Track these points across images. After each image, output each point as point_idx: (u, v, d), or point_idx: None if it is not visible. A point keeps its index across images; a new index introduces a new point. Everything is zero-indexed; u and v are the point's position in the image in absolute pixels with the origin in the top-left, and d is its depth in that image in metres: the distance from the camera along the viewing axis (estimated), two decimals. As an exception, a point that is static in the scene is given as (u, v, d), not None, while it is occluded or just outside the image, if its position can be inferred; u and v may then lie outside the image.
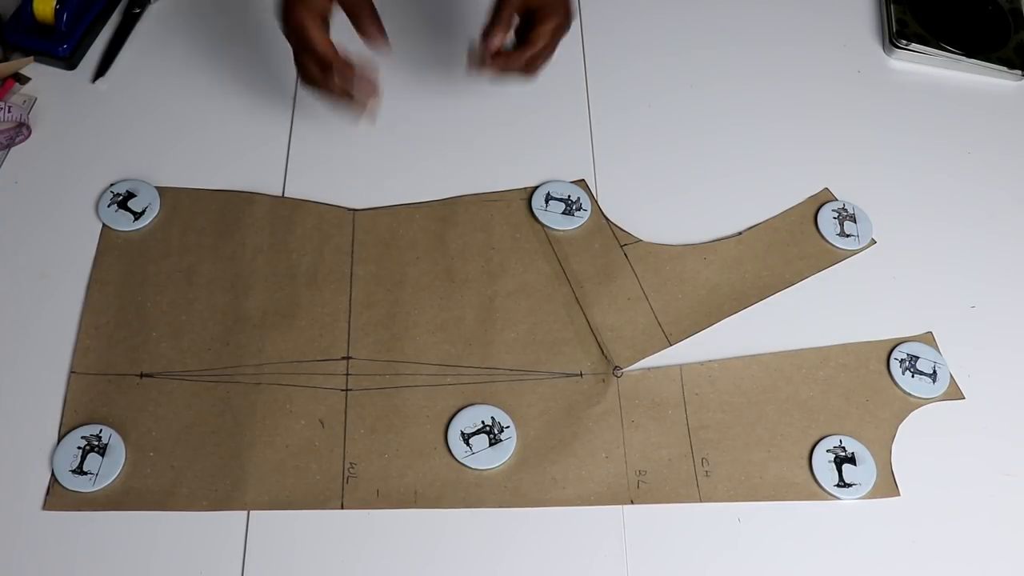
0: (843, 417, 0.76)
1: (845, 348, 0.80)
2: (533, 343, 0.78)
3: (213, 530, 0.68)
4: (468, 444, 0.73)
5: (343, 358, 0.76)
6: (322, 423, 0.73)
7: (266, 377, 0.74)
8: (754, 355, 0.79)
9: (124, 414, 0.72)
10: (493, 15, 0.81)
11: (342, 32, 0.79)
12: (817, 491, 0.73)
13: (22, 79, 0.88)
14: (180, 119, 0.88)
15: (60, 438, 0.70)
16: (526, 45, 0.82)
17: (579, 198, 0.86)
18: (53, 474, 0.69)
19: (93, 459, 0.69)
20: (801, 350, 0.80)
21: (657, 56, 0.98)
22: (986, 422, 0.78)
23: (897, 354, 0.80)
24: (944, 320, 0.82)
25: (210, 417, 0.73)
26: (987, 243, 0.88)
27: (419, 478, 0.71)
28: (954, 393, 0.79)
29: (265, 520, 0.69)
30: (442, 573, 0.68)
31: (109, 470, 0.69)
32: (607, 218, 0.85)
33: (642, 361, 0.78)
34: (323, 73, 0.78)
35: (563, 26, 0.83)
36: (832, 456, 0.74)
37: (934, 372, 0.79)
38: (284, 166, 0.86)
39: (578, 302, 0.81)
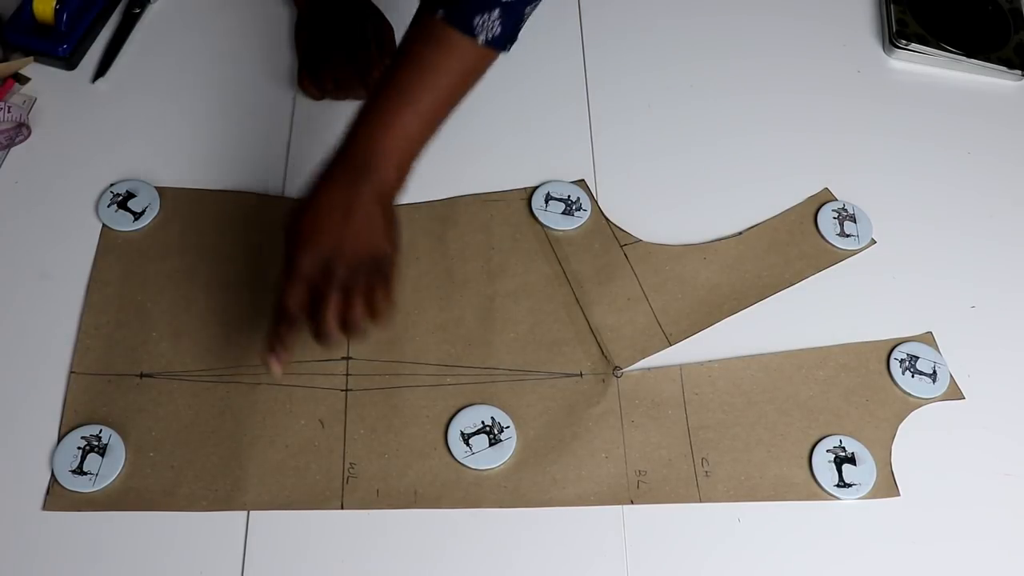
0: (843, 417, 0.76)
1: (845, 348, 0.80)
2: (533, 343, 0.78)
3: (213, 530, 0.68)
4: (468, 444, 0.73)
5: (343, 358, 0.76)
6: (322, 423, 0.73)
7: (266, 377, 0.74)
8: (754, 355, 0.79)
9: (124, 414, 0.72)
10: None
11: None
12: (817, 491, 0.73)
13: (22, 79, 0.88)
14: (180, 119, 0.88)
15: (60, 438, 0.70)
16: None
17: (579, 198, 0.86)
18: (53, 474, 0.69)
19: (93, 459, 0.69)
20: (801, 350, 0.80)
21: (657, 56, 0.98)
22: (986, 422, 0.77)
23: (897, 354, 0.80)
24: (944, 320, 0.82)
25: (210, 417, 0.72)
26: (987, 244, 0.88)
27: (419, 478, 0.71)
28: (954, 393, 0.79)
29: (265, 520, 0.69)
30: (442, 573, 0.68)
31: (109, 470, 0.69)
32: (607, 218, 0.85)
33: (642, 361, 0.78)
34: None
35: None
36: (832, 456, 0.74)
37: (934, 372, 0.79)
38: (284, 166, 0.86)
39: (578, 302, 0.80)
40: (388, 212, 0.70)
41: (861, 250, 0.86)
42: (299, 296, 0.67)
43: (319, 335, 0.67)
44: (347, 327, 0.67)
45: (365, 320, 0.68)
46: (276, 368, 0.68)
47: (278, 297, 0.68)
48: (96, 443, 0.70)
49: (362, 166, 0.69)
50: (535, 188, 0.86)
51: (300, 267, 0.67)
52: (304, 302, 0.67)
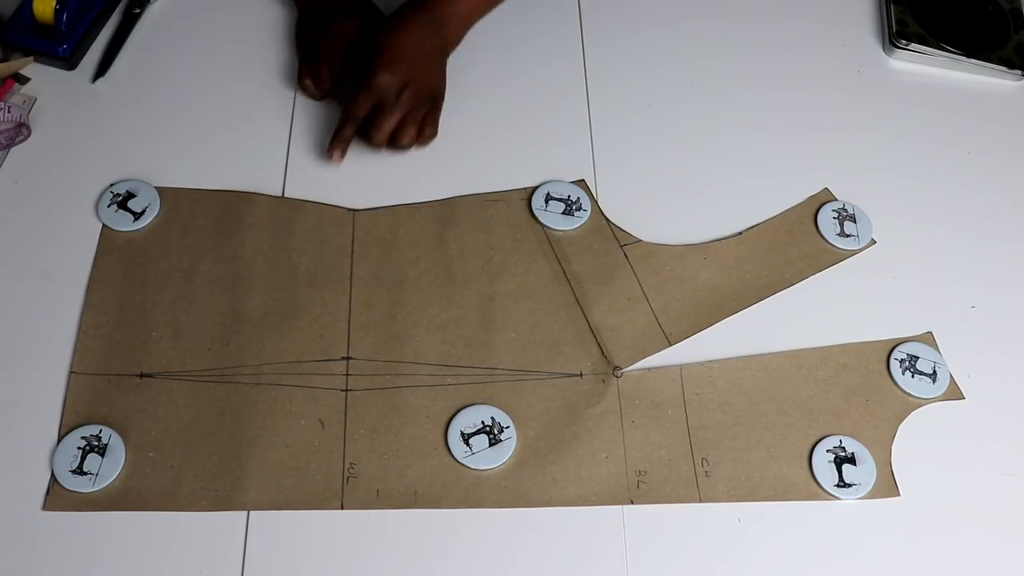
0: (843, 417, 0.76)
1: (845, 348, 0.80)
2: (533, 343, 0.78)
3: (213, 530, 0.68)
4: (468, 444, 0.73)
5: (343, 358, 0.76)
6: (322, 423, 0.73)
7: (266, 377, 0.74)
8: (754, 355, 0.79)
9: (124, 414, 0.72)
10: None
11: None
12: (817, 491, 0.73)
13: (22, 79, 0.88)
14: (180, 119, 0.88)
15: (60, 438, 0.70)
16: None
17: (579, 198, 0.86)
18: (53, 474, 0.69)
19: (93, 459, 0.69)
20: (801, 350, 0.80)
21: (657, 56, 0.98)
22: (986, 422, 0.78)
23: (897, 354, 0.80)
24: (944, 320, 0.82)
25: (210, 417, 0.73)
26: (987, 244, 0.88)
27: (419, 478, 0.71)
28: (954, 393, 0.79)
29: (265, 520, 0.69)
30: (442, 573, 0.68)
31: (109, 470, 0.69)
32: (607, 218, 0.85)
33: (642, 361, 0.78)
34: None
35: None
36: (832, 456, 0.74)
37: (934, 372, 0.79)
38: (284, 166, 0.86)
39: (578, 302, 0.81)
40: (444, 63, 0.90)
41: (861, 250, 0.86)
42: (367, 106, 0.84)
43: (371, 138, 0.85)
44: (395, 141, 0.86)
45: (411, 141, 0.86)
46: (338, 158, 0.85)
47: (348, 104, 0.85)
48: (96, 443, 0.70)
49: (434, 22, 0.87)
50: (535, 188, 0.86)
51: (378, 83, 0.84)
52: (368, 112, 0.84)
